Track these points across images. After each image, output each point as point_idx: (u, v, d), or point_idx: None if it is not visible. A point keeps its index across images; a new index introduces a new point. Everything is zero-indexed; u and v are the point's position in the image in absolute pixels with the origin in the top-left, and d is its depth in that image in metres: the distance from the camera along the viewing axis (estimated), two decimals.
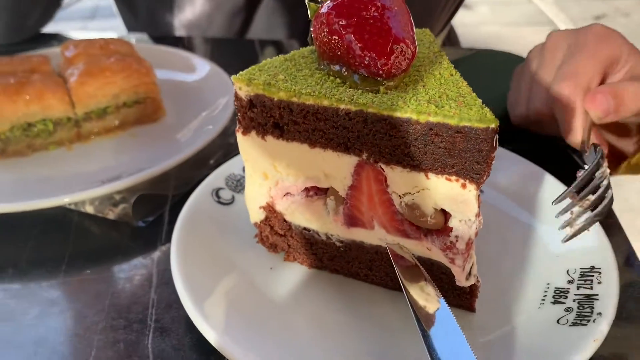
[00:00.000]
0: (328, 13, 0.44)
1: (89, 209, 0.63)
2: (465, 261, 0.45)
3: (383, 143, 0.43)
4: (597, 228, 0.52)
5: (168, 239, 0.59)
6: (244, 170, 0.59)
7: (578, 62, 0.60)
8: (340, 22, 0.44)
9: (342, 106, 0.43)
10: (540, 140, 0.72)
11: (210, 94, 0.81)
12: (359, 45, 0.43)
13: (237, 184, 0.61)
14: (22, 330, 0.50)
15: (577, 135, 0.58)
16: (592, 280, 0.49)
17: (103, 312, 0.51)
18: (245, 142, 0.49)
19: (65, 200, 0.59)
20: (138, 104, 0.76)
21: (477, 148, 0.40)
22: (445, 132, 0.40)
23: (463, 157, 0.41)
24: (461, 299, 0.48)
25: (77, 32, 1.19)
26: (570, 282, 0.49)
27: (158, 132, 0.76)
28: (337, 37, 0.44)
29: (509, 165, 0.63)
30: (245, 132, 0.48)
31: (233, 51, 1.05)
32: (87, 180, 0.64)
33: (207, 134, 0.70)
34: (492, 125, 0.39)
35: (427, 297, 0.43)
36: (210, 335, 0.43)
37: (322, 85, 0.45)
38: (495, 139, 0.40)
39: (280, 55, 0.49)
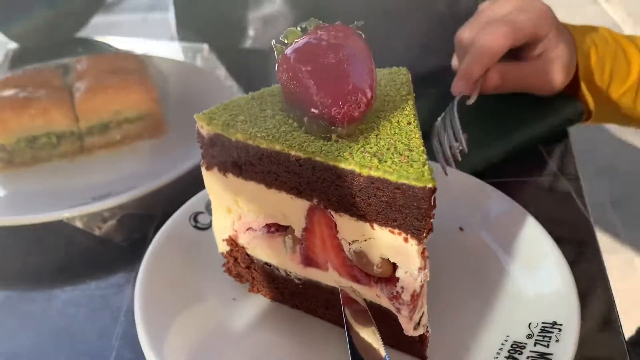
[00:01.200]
0: (290, 56, 0.45)
1: (79, 224, 0.66)
2: (411, 312, 0.45)
3: (330, 191, 0.44)
4: (569, 279, 0.51)
5: None
6: None
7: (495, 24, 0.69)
8: (300, 67, 0.44)
9: (293, 152, 0.43)
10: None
11: None
12: (315, 91, 0.43)
13: None
14: None
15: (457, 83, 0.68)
16: (550, 337, 0.47)
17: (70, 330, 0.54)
18: (209, 177, 0.50)
19: (50, 216, 0.62)
20: (140, 120, 0.78)
21: (415, 205, 0.40)
22: (386, 187, 0.40)
23: (403, 212, 0.41)
24: (412, 346, 0.48)
25: (136, 24, 1.23)
26: (529, 336, 0.48)
27: (159, 148, 0.79)
28: (296, 82, 0.44)
29: (492, 204, 0.62)
30: (209, 167, 0.50)
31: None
32: (81, 195, 0.67)
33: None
34: (429, 185, 0.39)
35: (372, 343, 0.43)
36: None
37: (278, 128, 0.45)
38: (432, 198, 0.39)
39: (249, 94, 0.50)
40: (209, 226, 0.61)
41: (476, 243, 0.59)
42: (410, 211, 0.40)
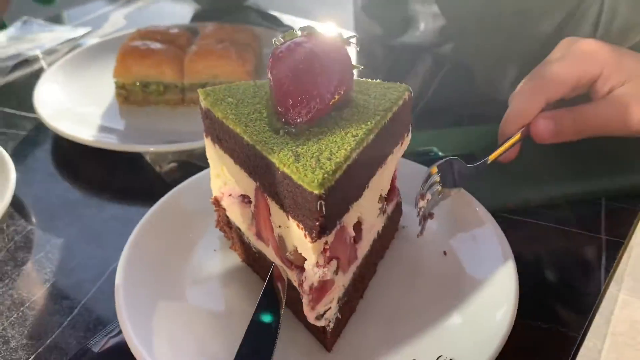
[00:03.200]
0: (275, 54, 0.51)
1: (148, 158, 0.81)
2: (312, 302, 0.49)
3: (265, 178, 0.50)
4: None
5: None
6: None
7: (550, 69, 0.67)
8: (278, 65, 0.50)
9: (245, 137, 0.50)
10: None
11: None
12: (280, 89, 0.50)
13: None
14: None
15: (507, 128, 0.67)
16: None
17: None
18: (206, 143, 0.59)
19: (128, 147, 0.78)
20: None
21: (307, 207, 0.44)
22: (291, 185, 0.45)
23: (302, 211, 0.45)
24: (319, 334, 0.52)
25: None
26: None
27: None
28: (271, 78, 0.51)
29: (481, 234, 0.61)
30: (206, 135, 0.59)
31: None
32: (162, 137, 0.82)
33: None
34: (315, 192, 0.43)
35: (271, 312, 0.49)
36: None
37: (249, 115, 0.52)
38: (319, 204, 0.43)
39: (254, 81, 0.58)
40: None
41: (454, 268, 0.60)
42: (306, 211, 0.45)
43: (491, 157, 0.66)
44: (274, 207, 0.50)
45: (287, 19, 1.32)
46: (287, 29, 1.12)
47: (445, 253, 0.62)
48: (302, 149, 0.47)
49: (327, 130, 0.49)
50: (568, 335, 0.55)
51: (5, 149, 0.76)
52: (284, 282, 0.52)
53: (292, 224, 0.48)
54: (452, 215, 0.65)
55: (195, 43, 0.95)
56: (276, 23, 1.30)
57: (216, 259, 0.63)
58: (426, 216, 0.62)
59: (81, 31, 1.24)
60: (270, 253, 0.55)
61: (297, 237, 0.48)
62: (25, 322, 0.58)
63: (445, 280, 0.59)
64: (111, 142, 0.79)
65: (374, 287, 0.59)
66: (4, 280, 0.63)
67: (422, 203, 0.60)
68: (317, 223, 0.44)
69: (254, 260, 0.60)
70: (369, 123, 0.50)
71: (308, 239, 0.46)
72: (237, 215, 0.59)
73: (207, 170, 0.70)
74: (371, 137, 0.50)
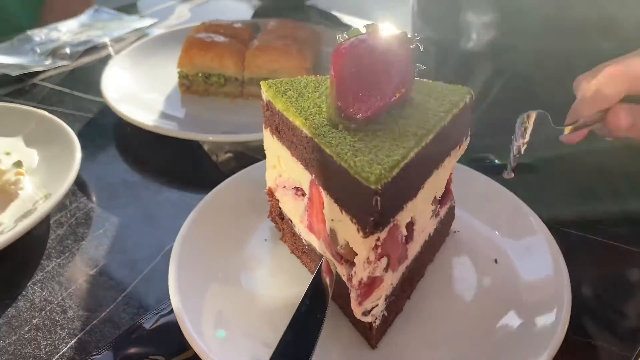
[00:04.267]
0: (339, 50, 0.52)
1: (206, 147, 0.83)
2: (360, 297, 0.50)
3: (321, 171, 0.50)
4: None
5: None
6: None
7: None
8: (341, 61, 0.51)
9: (304, 130, 0.51)
10: None
11: None
12: (341, 84, 0.50)
13: None
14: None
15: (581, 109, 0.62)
16: None
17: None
18: (265, 134, 0.61)
19: (188, 135, 0.80)
20: None
21: (363, 202, 0.44)
22: (348, 179, 0.45)
23: (357, 205, 0.46)
24: (364, 331, 0.53)
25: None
26: None
27: None
28: (334, 73, 0.51)
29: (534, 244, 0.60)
30: (265, 126, 0.60)
31: None
32: (220, 127, 0.84)
33: None
34: (372, 187, 0.43)
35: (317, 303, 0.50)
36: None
37: (309, 109, 0.53)
38: (374, 199, 0.43)
39: (315, 76, 0.59)
40: None
41: (504, 277, 0.59)
42: (361, 206, 0.45)
43: (567, 129, 0.63)
44: (327, 200, 0.51)
45: (347, 19, 1.33)
46: (346, 28, 1.12)
47: (496, 261, 0.61)
48: (360, 144, 0.47)
49: (386, 128, 0.50)
50: (620, 355, 0.53)
51: (73, 130, 0.79)
52: (332, 276, 0.53)
53: (345, 218, 0.48)
54: (504, 222, 0.64)
55: (257, 38, 0.96)
56: (336, 22, 1.31)
57: (266, 249, 0.64)
58: (517, 159, 0.59)
59: (148, 21, 1.28)
60: (320, 246, 0.56)
61: (350, 231, 0.48)
62: (82, 295, 0.60)
63: (495, 289, 0.58)
64: (172, 129, 0.81)
65: (422, 289, 0.59)
66: (64, 253, 0.66)
67: (521, 141, 0.58)
68: (372, 218, 0.45)
69: (303, 253, 0.61)
70: (428, 123, 0.50)
71: (361, 233, 0.46)
72: (289, 207, 0.60)
73: (262, 162, 0.72)
74: (430, 137, 0.49)
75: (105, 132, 0.89)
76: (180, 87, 0.95)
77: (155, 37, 1.08)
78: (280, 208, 0.63)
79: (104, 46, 1.17)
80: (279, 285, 0.59)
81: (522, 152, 0.58)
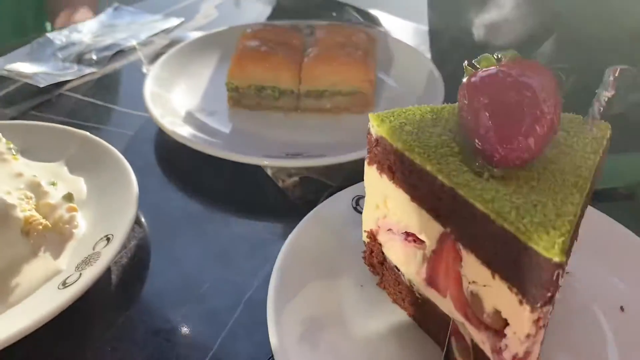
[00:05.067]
0: (473, 82, 0.45)
1: (269, 172, 0.75)
2: None
3: (464, 227, 0.43)
4: None
5: None
6: None
7: None
8: (478, 96, 0.44)
9: (440, 177, 0.44)
10: None
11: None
12: (483, 124, 0.43)
13: None
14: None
15: None
16: None
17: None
18: (368, 171, 0.53)
19: (249, 159, 0.72)
20: (351, 95, 0.84)
21: (537, 274, 0.38)
22: (514, 244, 0.38)
23: (525, 275, 0.39)
24: None
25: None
26: None
27: (360, 123, 0.84)
28: (469, 109, 0.44)
29: None
30: (370, 163, 0.53)
31: None
32: (280, 148, 0.76)
33: None
34: (556, 259, 0.36)
35: None
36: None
37: (437, 149, 0.46)
38: (556, 273, 0.36)
39: (429, 106, 0.51)
40: None
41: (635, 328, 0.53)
42: (531, 277, 0.38)
43: None
44: (470, 260, 0.44)
45: (386, 18, 1.25)
46: (382, 30, 1.04)
47: (622, 309, 0.55)
48: (518, 199, 0.40)
49: (538, 176, 0.43)
50: None
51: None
52: (467, 341, 0.46)
53: (500, 285, 0.41)
54: (624, 264, 0.58)
55: (313, 45, 0.88)
56: (376, 22, 1.23)
57: (365, 297, 0.56)
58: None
59: (175, 21, 1.19)
60: (446, 305, 0.49)
61: (504, 300, 0.41)
62: (164, 356, 0.53)
63: (626, 341, 0.52)
64: (231, 153, 0.73)
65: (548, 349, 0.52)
66: (132, 303, 0.58)
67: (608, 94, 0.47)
68: (548, 293, 0.38)
69: (410, 304, 0.54)
70: (582, 169, 0.43)
71: (526, 307, 0.40)
72: (398, 254, 0.53)
73: (346, 192, 0.65)
74: (588, 187, 0.43)
75: (150, 151, 0.81)
76: (229, 101, 0.87)
77: (192, 43, 0.99)
78: (383, 253, 0.56)
79: (131, 50, 1.08)
80: (393, 341, 0.52)
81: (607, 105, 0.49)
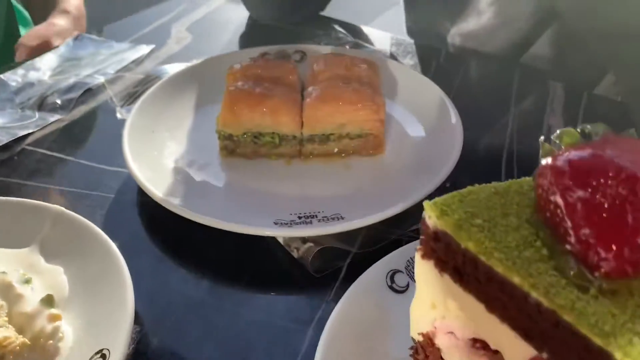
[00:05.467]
0: (561, 167, 0.36)
1: (281, 239, 0.65)
2: None
3: (566, 354, 0.35)
4: None
5: (336, 298, 0.59)
6: None
7: None
8: (571, 185, 0.35)
9: (534, 294, 0.35)
10: None
11: (440, 145, 0.75)
12: (578, 221, 0.34)
13: None
14: None
15: None
16: None
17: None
18: (422, 266, 0.44)
19: (252, 230, 0.62)
20: (360, 137, 0.75)
21: None
22: None
23: None
24: None
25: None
26: None
27: (372, 169, 0.75)
28: (557, 200, 0.36)
29: None
30: (425, 257, 0.44)
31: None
32: (289, 208, 0.66)
33: (422, 188, 0.66)
34: None
35: None
36: None
37: (521, 251, 0.37)
38: None
39: (492, 184, 0.43)
40: (405, 289, 0.56)
41: None
42: None
43: None
44: None
45: (373, 33, 1.15)
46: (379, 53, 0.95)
47: None
48: (637, 324, 0.32)
49: None
50: None
51: (92, 220, 0.60)
52: None
53: None
54: None
55: (312, 82, 0.78)
56: (362, 38, 1.13)
57: None
58: None
59: (144, 49, 1.07)
60: None
61: None
62: None
63: None
64: (236, 225, 0.62)
65: None
66: None
67: None
68: None
69: None
70: None
71: None
72: None
73: (377, 267, 0.56)
74: None
75: (135, 219, 0.70)
76: (221, 151, 0.76)
77: (169, 81, 0.86)
78: (442, 359, 0.47)
79: (99, 88, 0.96)
80: None
81: None
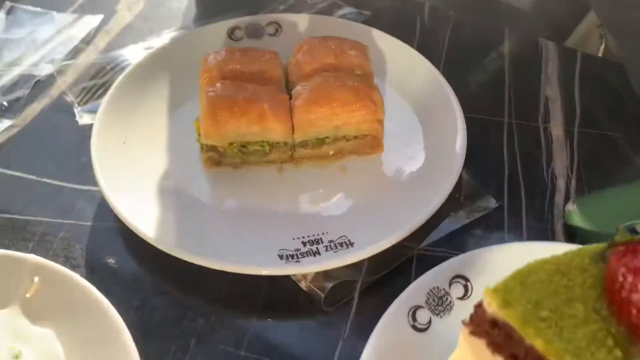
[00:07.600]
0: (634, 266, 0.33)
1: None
2: None
3: None
4: None
5: (352, 334, 0.56)
6: (449, 283, 0.53)
7: None
8: None
9: None
10: None
11: (443, 135, 0.70)
12: None
13: (439, 303, 0.54)
14: None
15: None
16: None
17: None
18: (468, 341, 0.41)
19: (243, 269, 0.57)
20: (356, 139, 0.69)
21: None
22: None
23: None
24: None
25: None
26: None
27: (370, 170, 0.70)
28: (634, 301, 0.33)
29: None
30: (475, 334, 0.40)
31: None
32: (293, 230, 0.61)
33: (434, 200, 0.62)
34: None
35: None
36: None
37: (593, 352, 0.34)
38: None
39: (552, 258, 0.39)
40: (427, 327, 0.53)
41: None
42: None
43: None
44: None
45: None
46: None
47: None
48: None
49: None
50: None
51: (73, 263, 0.55)
52: None
53: None
54: None
55: (298, 76, 0.70)
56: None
57: None
58: None
59: (92, 21, 0.94)
60: None
61: None
62: None
63: None
64: (232, 265, 0.57)
65: None
66: None
67: None
68: None
69: None
70: None
71: None
72: None
73: (397, 307, 0.53)
74: None
75: (121, 252, 0.62)
76: (205, 163, 0.69)
77: (133, 74, 0.75)
78: None
79: (48, 78, 0.84)
80: None
81: None
